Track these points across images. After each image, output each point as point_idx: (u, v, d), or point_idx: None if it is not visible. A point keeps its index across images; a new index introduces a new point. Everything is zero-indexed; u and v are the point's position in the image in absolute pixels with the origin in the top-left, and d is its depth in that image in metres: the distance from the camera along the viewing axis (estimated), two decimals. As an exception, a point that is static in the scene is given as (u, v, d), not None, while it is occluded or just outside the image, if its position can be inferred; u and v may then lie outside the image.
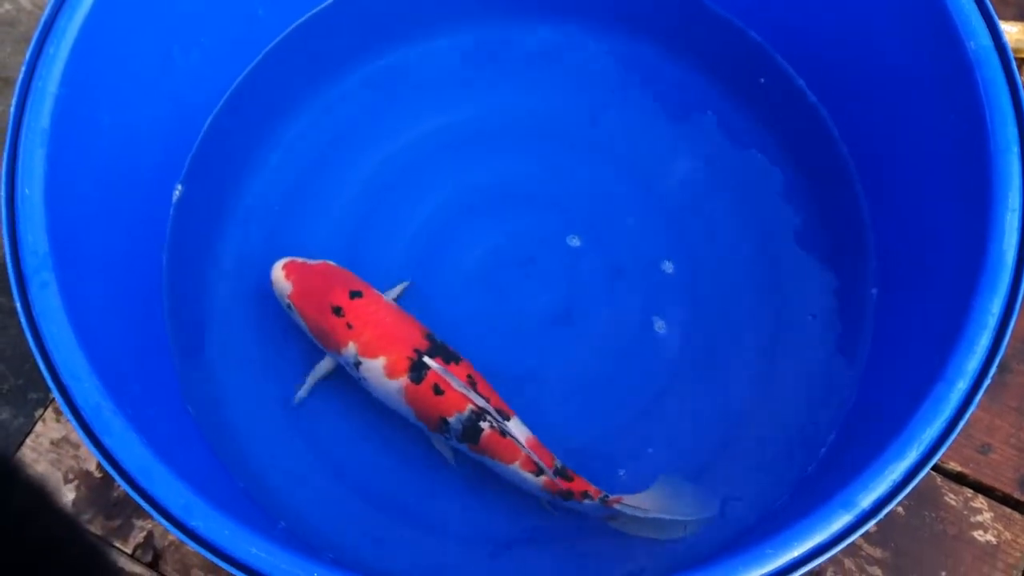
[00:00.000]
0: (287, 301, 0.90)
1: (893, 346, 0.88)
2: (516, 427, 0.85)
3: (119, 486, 0.93)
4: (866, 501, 0.68)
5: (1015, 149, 0.76)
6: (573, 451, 0.90)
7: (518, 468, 0.84)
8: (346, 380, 0.92)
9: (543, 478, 0.84)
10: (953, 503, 0.95)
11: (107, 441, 0.70)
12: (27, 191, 0.75)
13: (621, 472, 0.91)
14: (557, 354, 0.97)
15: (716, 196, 1.01)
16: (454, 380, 0.84)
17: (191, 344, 0.94)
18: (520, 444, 0.83)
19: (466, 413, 0.84)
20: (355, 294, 0.88)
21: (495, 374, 0.89)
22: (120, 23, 0.84)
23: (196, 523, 0.68)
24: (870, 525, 0.68)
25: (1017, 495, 0.95)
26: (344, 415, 0.94)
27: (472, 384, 0.85)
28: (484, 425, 0.84)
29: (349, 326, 0.87)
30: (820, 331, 0.96)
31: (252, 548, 0.67)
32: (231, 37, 0.98)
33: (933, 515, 0.94)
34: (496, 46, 1.07)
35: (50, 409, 0.98)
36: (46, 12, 0.80)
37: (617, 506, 0.83)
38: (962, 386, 0.71)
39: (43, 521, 0.79)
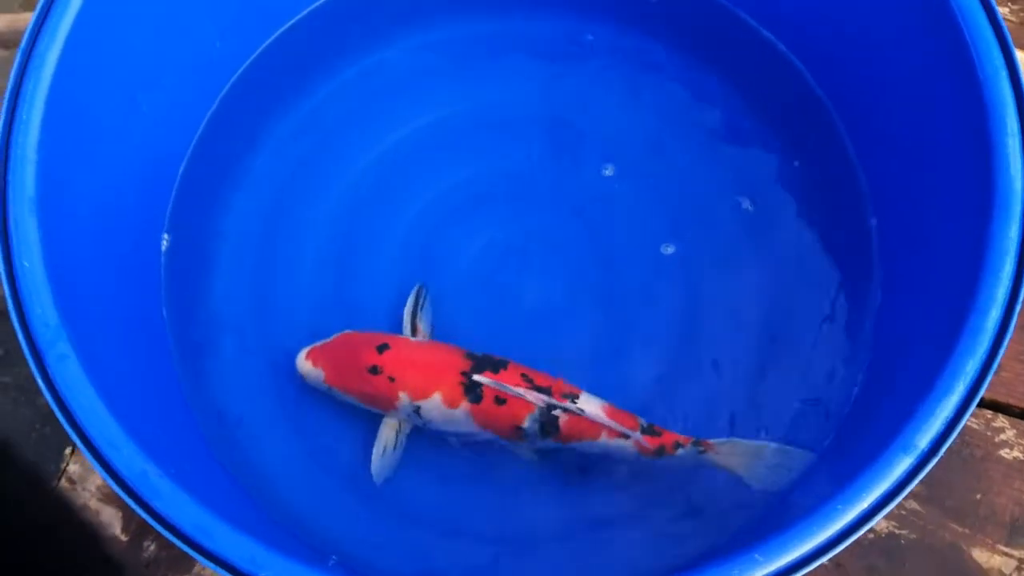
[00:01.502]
0: (325, 386, 0.89)
1: (910, 287, 0.89)
2: (587, 402, 0.85)
3: (149, 546, 0.92)
4: (923, 441, 0.69)
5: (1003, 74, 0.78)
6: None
7: (607, 440, 0.84)
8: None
9: (632, 441, 0.84)
10: (976, 426, 0.96)
11: (158, 505, 0.68)
12: (26, 264, 0.73)
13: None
14: (563, 343, 0.96)
15: (714, 180, 1.01)
16: (507, 387, 0.84)
17: (205, 393, 0.92)
18: (597, 418, 0.83)
19: (536, 411, 0.84)
20: (383, 347, 0.87)
21: None
22: (85, 78, 0.82)
23: (265, 574, 0.66)
24: (930, 466, 0.69)
25: (1034, 408, 0.97)
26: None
27: (528, 381, 0.85)
28: (558, 413, 0.83)
29: (391, 379, 0.86)
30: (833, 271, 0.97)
31: (330, 589, 0.66)
32: (193, 72, 0.96)
33: (957, 440, 0.96)
34: (486, 39, 1.06)
35: (64, 480, 0.95)
36: (12, 77, 0.77)
37: (714, 449, 0.84)
38: (995, 314, 0.72)
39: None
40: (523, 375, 0.85)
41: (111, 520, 0.94)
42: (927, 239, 0.88)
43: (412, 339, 0.90)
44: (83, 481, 0.95)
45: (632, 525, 0.89)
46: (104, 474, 0.69)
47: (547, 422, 0.84)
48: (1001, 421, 0.96)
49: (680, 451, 0.84)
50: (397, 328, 0.93)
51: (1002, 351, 0.71)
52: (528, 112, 1.04)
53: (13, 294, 0.73)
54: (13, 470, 0.96)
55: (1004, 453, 0.95)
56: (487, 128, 1.03)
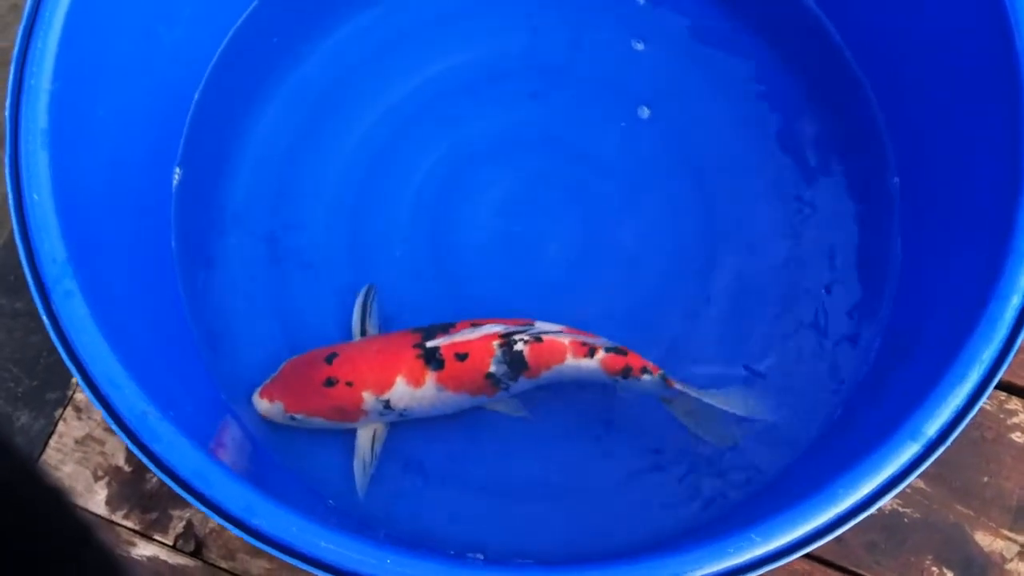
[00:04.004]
0: (288, 415, 0.86)
1: (928, 262, 0.87)
2: (544, 325, 0.84)
3: (152, 477, 0.92)
4: (932, 429, 0.68)
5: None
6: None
7: (572, 359, 0.83)
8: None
9: (599, 358, 0.83)
10: (988, 407, 0.95)
11: (156, 448, 0.68)
12: (36, 196, 0.72)
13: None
14: (580, 296, 0.95)
15: (736, 134, 0.99)
16: (460, 334, 0.82)
17: (213, 333, 0.92)
18: (557, 332, 0.83)
19: (498, 352, 0.82)
20: (331, 357, 0.85)
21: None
22: (105, 5, 0.80)
23: (259, 522, 0.66)
24: (937, 454, 0.68)
25: (1048, 392, 0.95)
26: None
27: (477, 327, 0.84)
28: (519, 346, 0.82)
29: (349, 384, 0.84)
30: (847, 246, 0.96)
31: (321, 541, 0.66)
32: (211, 4, 0.95)
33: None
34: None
35: (70, 408, 0.96)
36: (28, 4, 0.75)
37: (677, 386, 0.83)
38: (1017, 302, 0.70)
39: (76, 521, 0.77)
40: (472, 324, 0.84)
41: (115, 450, 0.94)
42: (952, 208, 0.87)
43: (356, 340, 0.88)
44: (88, 410, 0.95)
45: (651, 478, 0.89)
46: (105, 413, 0.69)
47: (513, 359, 0.82)
48: (1015, 403, 0.95)
49: (646, 377, 0.83)
50: (405, 286, 0.92)
51: (1020, 340, 0.70)
52: (538, 61, 1.02)
53: (21, 227, 0.72)
54: (20, 396, 0.96)
55: (1016, 437, 0.94)
56: (506, 76, 1.01)
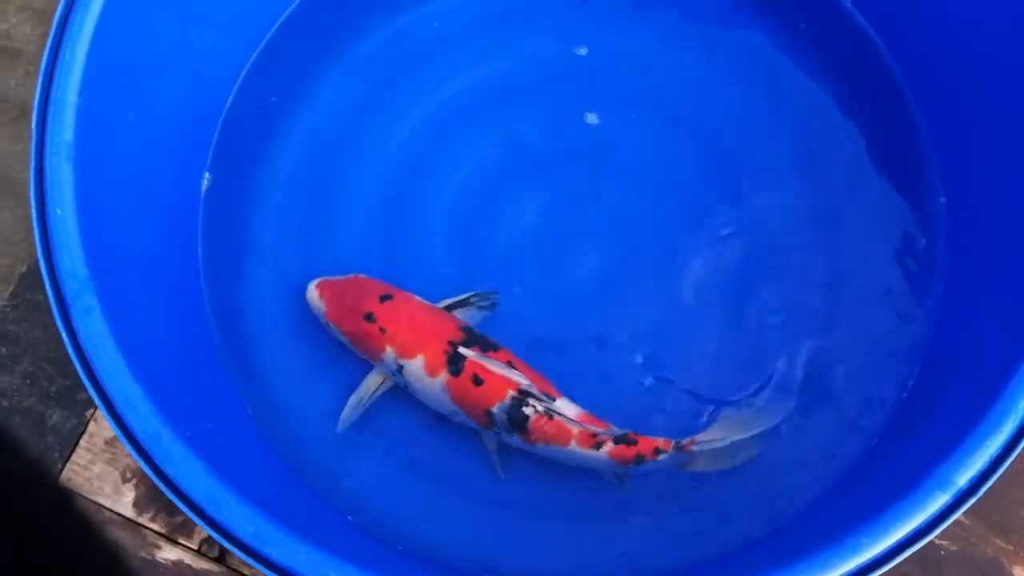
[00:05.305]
0: (325, 320, 0.89)
1: (973, 292, 0.84)
2: (564, 406, 0.82)
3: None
4: (963, 479, 0.65)
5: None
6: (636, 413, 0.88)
7: (576, 448, 0.81)
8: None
9: (607, 448, 0.80)
10: (1031, 439, 0.92)
11: (169, 470, 0.68)
12: (59, 211, 0.72)
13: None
14: (610, 311, 0.93)
15: (777, 152, 0.97)
16: (491, 362, 0.81)
17: (240, 344, 0.91)
18: (569, 419, 0.81)
19: (508, 401, 0.81)
20: (385, 298, 0.87)
21: (547, 341, 0.89)
22: (134, 13, 0.79)
23: (269, 551, 0.66)
24: (968, 505, 0.65)
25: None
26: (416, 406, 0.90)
27: (511, 366, 0.82)
28: (529, 411, 0.81)
29: (382, 330, 0.85)
30: (886, 274, 0.92)
31: (330, 573, 0.65)
32: (248, 8, 0.94)
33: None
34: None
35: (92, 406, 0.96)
36: (57, 14, 0.75)
37: (694, 448, 0.79)
38: (1058, 350, 0.67)
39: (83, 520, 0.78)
40: (509, 362, 0.83)
41: (143, 453, 0.95)
42: (1000, 233, 0.83)
43: (417, 298, 0.88)
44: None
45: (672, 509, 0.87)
46: (118, 431, 0.69)
47: (516, 417, 0.81)
48: (1060, 436, 0.92)
49: (662, 456, 0.80)
50: (438, 293, 0.91)
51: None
52: (574, 68, 0.99)
53: (44, 241, 0.72)
54: (52, 395, 0.96)
55: (1059, 470, 0.91)
56: (545, 83, 0.99)
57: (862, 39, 0.97)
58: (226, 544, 0.66)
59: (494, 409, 0.82)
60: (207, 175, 0.94)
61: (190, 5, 0.86)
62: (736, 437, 0.79)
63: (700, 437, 0.79)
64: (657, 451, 0.80)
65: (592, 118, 0.98)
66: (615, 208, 0.96)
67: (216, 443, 0.74)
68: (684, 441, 0.79)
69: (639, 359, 0.92)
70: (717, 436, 0.79)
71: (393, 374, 0.87)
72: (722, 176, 0.96)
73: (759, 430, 0.80)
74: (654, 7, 1.00)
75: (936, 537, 0.85)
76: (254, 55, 0.97)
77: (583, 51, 1.00)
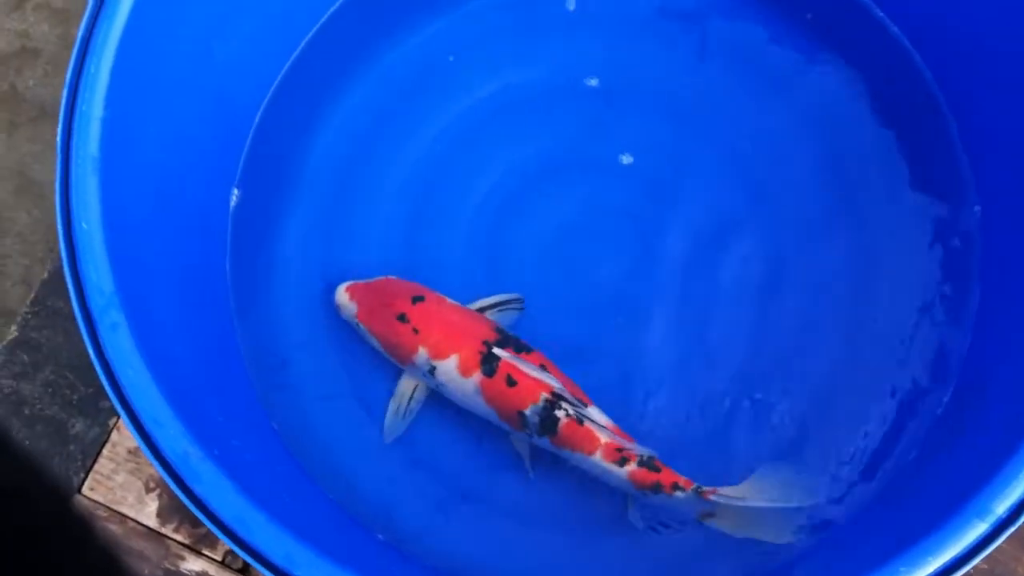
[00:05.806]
0: (355, 321, 0.89)
1: (1009, 310, 0.83)
2: (595, 415, 0.82)
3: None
4: (1002, 507, 0.65)
5: None
6: (663, 438, 0.88)
7: (600, 459, 0.80)
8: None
9: (628, 469, 0.80)
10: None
11: (198, 489, 0.67)
12: (85, 225, 0.71)
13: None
14: (634, 322, 0.93)
15: (803, 160, 0.96)
16: (525, 364, 0.81)
17: (269, 360, 0.91)
18: (599, 426, 0.80)
19: (540, 403, 0.81)
20: (417, 299, 0.87)
21: (574, 352, 0.88)
22: (158, 27, 0.78)
23: (300, 573, 0.65)
24: (1007, 534, 0.64)
25: None
26: (442, 417, 0.90)
27: (544, 368, 0.82)
28: (560, 414, 0.80)
29: (415, 331, 0.85)
30: (921, 290, 0.91)
31: (360, 595, 0.65)
32: (272, 22, 0.93)
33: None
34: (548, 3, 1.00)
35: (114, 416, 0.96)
36: (81, 29, 0.74)
37: (713, 497, 0.77)
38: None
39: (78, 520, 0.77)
40: (542, 365, 0.83)
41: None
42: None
43: (449, 299, 0.88)
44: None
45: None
46: (147, 451, 0.68)
47: (547, 418, 0.81)
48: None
49: (678, 494, 0.78)
50: (462, 301, 0.91)
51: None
52: (597, 78, 0.99)
53: (70, 256, 0.72)
54: (75, 404, 0.96)
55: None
56: (549, 98, 0.99)
57: (895, 49, 0.96)
58: (256, 565, 0.66)
59: (527, 411, 0.81)
60: (236, 191, 0.93)
61: (217, 20, 0.85)
62: (761, 504, 0.76)
63: (724, 490, 0.77)
64: (675, 486, 0.79)
65: (618, 129, 0.97)
66: (639, 219, 0.95)
67: (242, 460, 0.73)
68: (705, 488, 0.78)
69: (661, 374, 0.91)
70: (742, 495, 0.76)
71: (424, 376, 0.86)
72: (748, 187, 0.96)
73: (790, 504, 0.76)
74: (676, 22, 1.00)
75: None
76: (281, 72, 0.96)
77: (597, 80, 0.99)
